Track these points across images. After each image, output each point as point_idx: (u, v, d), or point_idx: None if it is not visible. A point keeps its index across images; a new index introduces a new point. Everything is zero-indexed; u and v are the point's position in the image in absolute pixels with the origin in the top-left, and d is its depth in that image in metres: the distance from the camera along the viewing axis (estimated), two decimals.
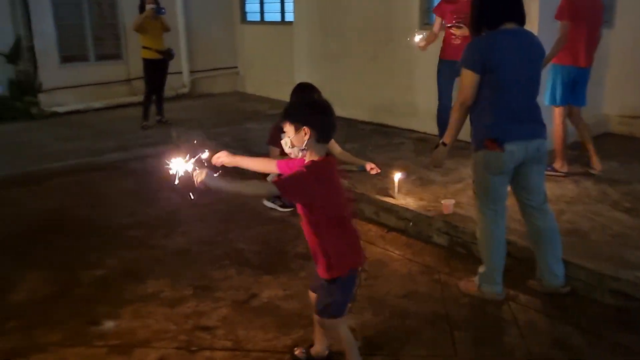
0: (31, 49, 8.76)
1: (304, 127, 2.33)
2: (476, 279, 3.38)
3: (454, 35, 5.40)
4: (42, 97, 8.77)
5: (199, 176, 2.21)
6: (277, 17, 9.54)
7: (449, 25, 5.43)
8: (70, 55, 9.13)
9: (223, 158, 2.56)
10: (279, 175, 2.51)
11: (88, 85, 9.20)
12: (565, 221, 4.00)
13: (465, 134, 3.30)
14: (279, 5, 9.42)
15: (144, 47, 7.61)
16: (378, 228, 4.46)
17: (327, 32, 7.76)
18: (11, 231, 4.52)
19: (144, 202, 5.10)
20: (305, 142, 2.34)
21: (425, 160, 5.19)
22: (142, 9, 7.49)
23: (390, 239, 4.28)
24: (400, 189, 4.58)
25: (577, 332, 3.02)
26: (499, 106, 3.08)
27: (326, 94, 7.72)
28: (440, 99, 5.64)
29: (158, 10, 7.42)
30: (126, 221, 4.68)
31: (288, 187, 2.30)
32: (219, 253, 4.04)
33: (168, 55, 7.68)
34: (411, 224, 4.27)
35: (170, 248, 4.16)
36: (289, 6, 8.93)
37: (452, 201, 4.21)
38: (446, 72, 5.44)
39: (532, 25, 5.46)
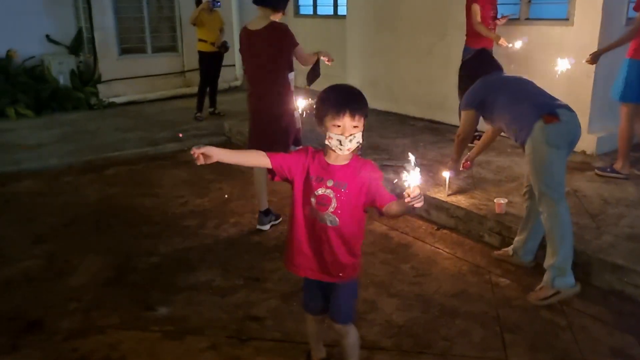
0: (92, 41, 9.09)
1: (364, 119, 2.16)
2: (546, 277, 3.29)
3: None
4: (101, 88, 9.08)
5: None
6: (330, 11, 9.54)
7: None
8: (128, 48, 9.43)
9: (208, 150, 2.10)
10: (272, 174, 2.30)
11: (144, 76, 9.47)
12: (625, 225, 3.87)
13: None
14: None
15: (200, 40, 7.76)
16: (428, 225, 4.42)
17: (380, 26, 7.71)
18: (73, 217, 4.71)
19: (196, 192, 5.22)
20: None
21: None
22: (198, 2, 7.64)
23: (440, 236, 4.24)
24: (450, 186, 4.52)
25: (638, 343, 2.92)
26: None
27: (378, 89, 7.79)
28: None
29: (213, 4, 7.55)
30: (179, 210, 4.81)
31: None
32: (269, 245, 4.09)
33: (223, 48, 7.81)
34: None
35: (221, 238, 4.25)
36: (342, 0, 8.91)
37: (505, 200, 4.13)
38: None
39: (596, 18, 5.32)
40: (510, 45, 5.48)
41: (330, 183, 2.20)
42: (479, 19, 5.64)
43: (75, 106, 8.74)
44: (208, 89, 8.05)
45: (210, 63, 7.87)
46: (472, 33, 5.81)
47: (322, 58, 4.25)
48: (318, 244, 2.28)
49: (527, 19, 6.06)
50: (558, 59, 4.20)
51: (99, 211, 4.84)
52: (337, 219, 2.20)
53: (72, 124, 7.80)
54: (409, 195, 1.92)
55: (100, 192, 5.32)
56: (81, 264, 3.85)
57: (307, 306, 2.52)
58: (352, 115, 2.10)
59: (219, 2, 7.66)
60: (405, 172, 1.91)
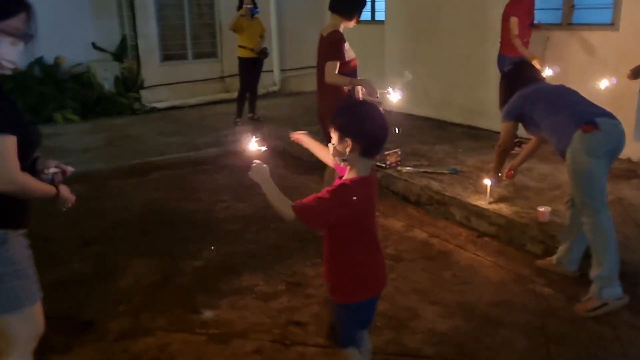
0: (135, 48, 9.33)
1: (348, 138, 2.05)
2: (593, 288, 3.26)
3: None
4: (143, 93, 9.31)
5: (254, 169, 2.15)
6: (367, 16, 9.56)
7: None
8: (170, 54, 9.64)
9: (302, 137, 2.51)
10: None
11: (185, 82, 9.67)
12: None
13: None
14: (369, 4, 9.44)
15: (240, 46, 7.88)
16: (469, 232, 4.41)
17: (418, 32, 7.71)
18: (119, 220, 4.86)
19: (238, 197, 5.32)
20: (347, 154, 2.08)
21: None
22: (240, 8, 7.77)
23: (481, 244, 4.22)
24: (492, 194, 4.50)
25: None
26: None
27: (416, 94, 7.77)
28: None
29: (252, 10, 7.67)
30: (222, 215, 4.91)
31: (309, 216, 2.09)
32: (310, 251, 4.14)
33: (263, 54, 7.91)
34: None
35: (263, 243, 4.32)
36: (380, 5, 8.94)
37: (549, 209, 4.09)
38: None
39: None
40: (548, 71, 5.37)
41: None
42: (516, 32, 5.65)
43: (119, 111, 8.99)
44: (248, 95, 8.17)
45: (250, 69, 7.98)
46: (507, 42, 5.79)
47: (358, 89, 4.09)
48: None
49: (570, 24, 5.98)
50: (602, 80, 4.20)
51: (144, 215, 4.98)
52: None
53: (116, 129, 8.03)
54: None
55: (145, 196, 5.47)
56: (129, 266, 3.97)
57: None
58: (331, 125, 2.16)
59: (257, 8, 7.77)
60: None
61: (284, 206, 2.11)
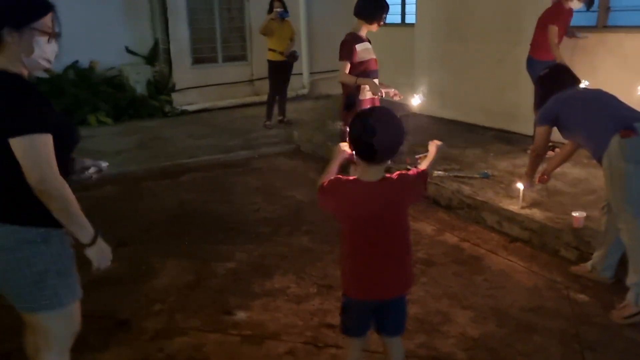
0: (167, 51, 9.47)
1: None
2: (629, 295, 3.21)
3: None
4: (174, 96, 9.45)
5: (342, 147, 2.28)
6: (398, 19, 9.55)
7: None
8: (200, 57, 9.77)
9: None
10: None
11: (215, 85, 9.79)
12: None
13: None
14: (399, 7, 9.43)
15: (270, 49, 7.95)
16: (500, 237, 4.37)
17: (449, 35, 7.66)
18: (152, 221, 4.95)
19: (268, 200, 5.37)
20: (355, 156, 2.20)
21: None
22: (270, 11, 7.83)
23: (514, 249, 4.19)
24: (524, 198, 4.45)
25: None
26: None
27: (446, 97, 7.75)
28: None
29: (282, 14, 7.73)
30: (253, 217, 4.96)
31: (319, 193, 2.26)
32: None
33: (292, 57, 7.96)
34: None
35: (294, 245, 4.35)
36: (410, 8, 8.92)
37: (584, 214, 4.03)
38: None
39: None
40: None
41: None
42: (556, 40, 5.57)
43: (150, 114, 9.14)
44: (277, 98, 8.23)
45: (279, 72, 8.03)
46: (538, 45, 5.73)
47: (364, 88, 4.37)
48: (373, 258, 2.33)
49: (605, 26, 5.88)
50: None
51: (176, 216, 5.06)
52: None
53: (148, 131, 8.16)
54: None
55: (177, 198, 5.55)
56: (162, 267, 4.05)
57: (355, 329, 2.46)
58: None
59: (287, 12, 7.83)
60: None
61: (322, 177, 2.29)
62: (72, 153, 2.17)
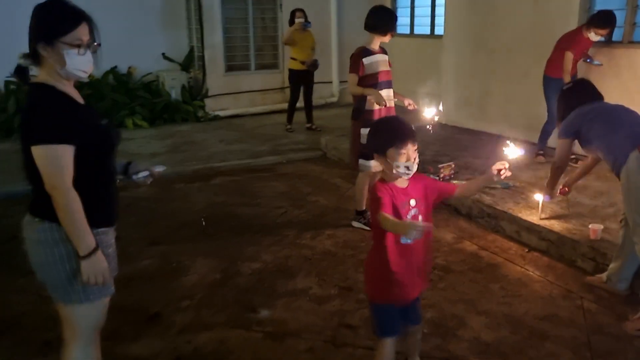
0: (202, 58, 9.78)
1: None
2: None
3: None
4: (207, 102, 9.75)
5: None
6: (427, 30, 9.68)
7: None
8: (234, 65, 10.05)
9: None
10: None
11: (247, 92, 10.06)
12: None
13: None
14: (429, 19, 9.56)
15: (292, 58, 8.31)
16: (519, 247, 4.46)
17: (476, 47, 7.76)
18: (183, 221, 5.18)
19: (294, 204, 5.55)
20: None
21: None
22: (291, 23, 8.18)
23: (531, 259, 4.27)
24: (544, 210, 4.53)
25: None
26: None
27: (473, 108, 7.84)
28: None
29: (304, 25, 8.07)
30: (279, 220, 5.15)
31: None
32: (361, 258, 4.29)
33: (313, 66, 8.25)
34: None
35: (318, 249, 4.52)
36: (439, 20, 9.03)
37: (601, 226, 4.10)
38: None
39: None
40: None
41: (412, 203, 2.42)
42: (569, 67, 5.72)
43: (184, 118, 9.46)
44: (304, 105, 8.52)
45: (300, 80, 8.37)
46: (555, 65, 5.87)
47: (369, 99, 4.54)
48: (410, 263, 2.47)
49: (631, 42, 5.92)
50: None
51: (206, 217, 5.28)
52: None
53: (181, 135, 8.46)
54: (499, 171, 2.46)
55: (207, 200, 5.78)
56: (192, 265, 4.26)
57: (394, 329, 2.59)
58: (413, 143, 2.38)
59: (309, 23, 8.14)
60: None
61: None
62: (114, 154, 2.29)
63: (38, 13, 2.05)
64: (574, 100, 3.72)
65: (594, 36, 5.65)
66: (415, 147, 2.39)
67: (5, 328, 3.41)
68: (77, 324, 2.25)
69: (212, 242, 4.71)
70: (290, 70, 8.37)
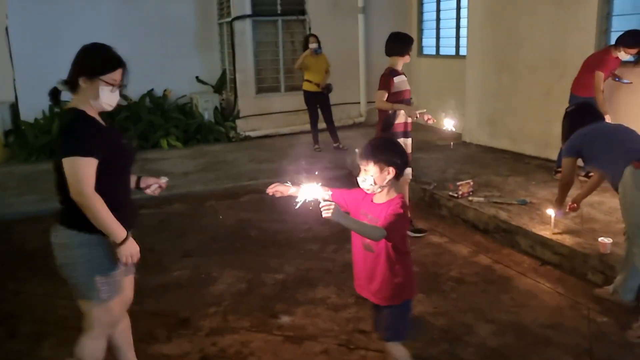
0: (233, 81, 10.22)
1: (390, 167, 2.52)
2: None
3: None
4: (239, 123, 10.14)
5: (328, 210, 2.37)
6: (452, 51, 9.91)
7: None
8: (264, 87, 10.45)
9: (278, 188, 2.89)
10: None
11: (277, 113, 10.44)
12: None
13: None
14: (454, 40, 9.80)
15: (306, 80, 8.73)
16: (532, 260, 4.63)
17: (499, 66, 7.97)
18: (213, 236, 5.51)
19: (318, 221, 5.75)
20: (386, 180, 2.54)
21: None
22: (305, 47, 8.68)
23: (543, 272, 4.43)
24: (558, 225, 4.69)
25: None
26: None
27: (496, 127, 8.02)
28: None
29: (316, 50, 8.57)
30: (303, 235, 5.43)
31: (397, 231, 2.49)
32: None
33: (327, 89, 8.66)
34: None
35: (338, 261, 4.77)
36: (463, 41, 9.26)
37: (610, 240, 4.24)
38: None
39: None
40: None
41: (369, 217, 2.63)
42: (601, 86, 5.84)
43: (216, 138, 9.87)
44: (326, 126, 8.92)
45: (315, 101, 8.79)
46: (584, 85, 5.98)
47: (400, 113, 4.98)
48: (366, 268, 2.73)
49: None
50: None
51: (235, 232, 5.60)
52: (372, 248, 2.63)
53: (213, 155, 8.86)
54: None
55: (236, 216, 6.11)
56: (220, 275, 4.57)
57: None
58: (362, 160, 2.58)
59: (320, 49, 8.66)
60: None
61: (369, 230, 2.49)
62: (130, 168, 2.70)
63: (86, 52, 2.48)
64: (578, 120, 3.93)
65: (623, 55, 5.79)
66: (364, 168, 2.57)
67: (51, 329, 3.76)
68: (91, 317, 2.62)
69: (239, 255, 5.01)
70: (305, 92, 8.82)
